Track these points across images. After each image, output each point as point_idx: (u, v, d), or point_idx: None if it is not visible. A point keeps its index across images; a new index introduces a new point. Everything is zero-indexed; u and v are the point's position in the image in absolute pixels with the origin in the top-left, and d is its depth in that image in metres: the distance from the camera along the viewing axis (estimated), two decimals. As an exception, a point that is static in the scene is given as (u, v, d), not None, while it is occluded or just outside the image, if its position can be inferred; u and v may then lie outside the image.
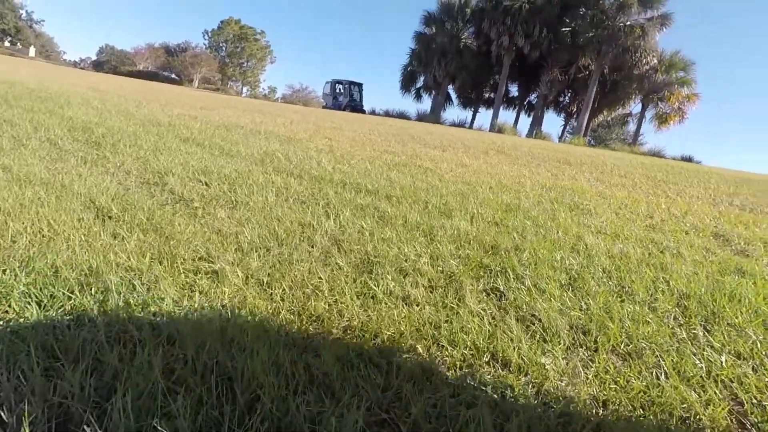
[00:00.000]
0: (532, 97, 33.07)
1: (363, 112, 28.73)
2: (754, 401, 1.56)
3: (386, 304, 1.93)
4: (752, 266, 3.06)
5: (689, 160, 21.25)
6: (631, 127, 31.51)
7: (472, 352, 1.64)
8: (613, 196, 5.34)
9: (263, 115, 11.41)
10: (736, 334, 2.03)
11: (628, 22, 24.03)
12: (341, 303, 1.89)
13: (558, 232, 3.48)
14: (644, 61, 24.27)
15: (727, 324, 2.13)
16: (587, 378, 1.57)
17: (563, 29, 25.62)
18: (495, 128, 25.01)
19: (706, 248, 3.48)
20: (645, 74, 25.24)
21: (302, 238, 2.63)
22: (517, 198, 4.65)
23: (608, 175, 7.34)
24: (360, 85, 32.01)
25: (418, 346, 1.63)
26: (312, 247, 2.52)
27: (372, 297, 2.00)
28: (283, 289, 1.95)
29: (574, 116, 32.22)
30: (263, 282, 2.00)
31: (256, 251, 2.33)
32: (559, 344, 1.76)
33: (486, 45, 29.40)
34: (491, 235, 3.12)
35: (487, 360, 1.61)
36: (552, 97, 31.17)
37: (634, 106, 29.37)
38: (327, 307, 1.84)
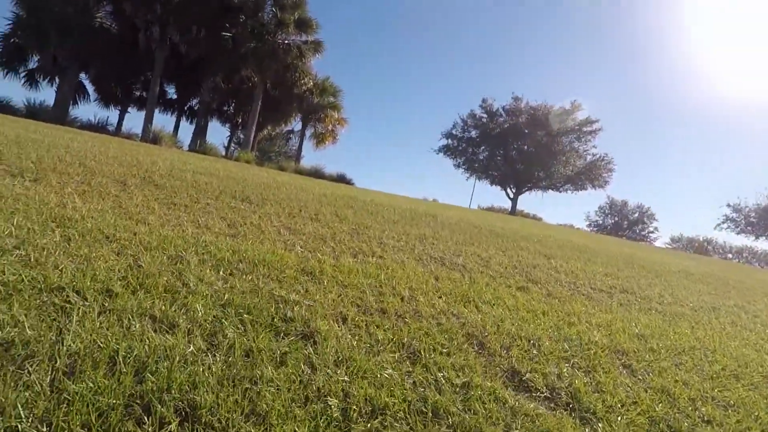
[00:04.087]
0: (194, 102, 29.71)
1: None
2: None
3: None
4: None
5: (343, 177, 23.55)
6: (294, 142, 33.17)
7: None
8: (323, 271, 3.65)
9: None
10: None
11: (287, 41, 24.60)
12: None
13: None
14: (302, 81, 25.42)
15: None
16: None
17: (224, 34, 23.76)
18: (149, 135, 20.53)
19: (480, 386, 2.11)
20: (303, 94, 26.59)
21: None
22: (171, 324, 2.21)
23: (298, 218, 5.78)
24: None
25: None
26: None
27: None
28: None
29: (240, 128, 31.07)
30: None
31: None
32: None
33: (132, 32, 24.15)
34: None
35: None
36: (215, 106, 28.89)
37: (296, 124, 30.88)
38: None
